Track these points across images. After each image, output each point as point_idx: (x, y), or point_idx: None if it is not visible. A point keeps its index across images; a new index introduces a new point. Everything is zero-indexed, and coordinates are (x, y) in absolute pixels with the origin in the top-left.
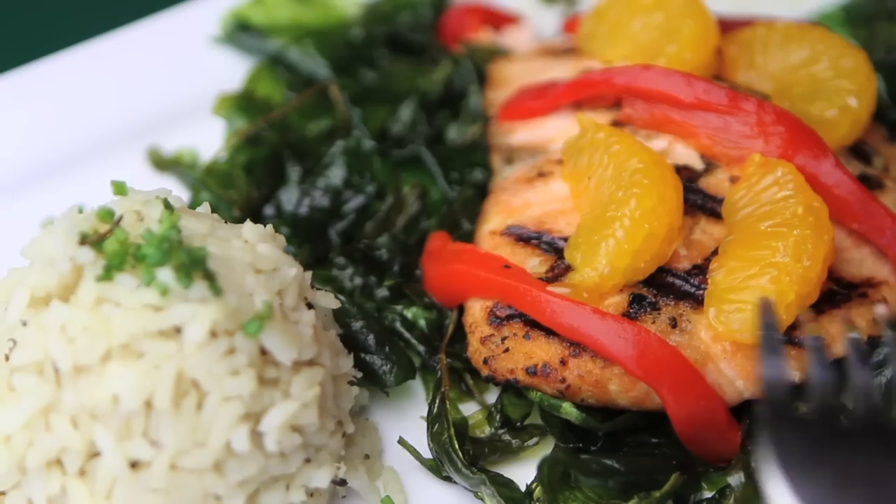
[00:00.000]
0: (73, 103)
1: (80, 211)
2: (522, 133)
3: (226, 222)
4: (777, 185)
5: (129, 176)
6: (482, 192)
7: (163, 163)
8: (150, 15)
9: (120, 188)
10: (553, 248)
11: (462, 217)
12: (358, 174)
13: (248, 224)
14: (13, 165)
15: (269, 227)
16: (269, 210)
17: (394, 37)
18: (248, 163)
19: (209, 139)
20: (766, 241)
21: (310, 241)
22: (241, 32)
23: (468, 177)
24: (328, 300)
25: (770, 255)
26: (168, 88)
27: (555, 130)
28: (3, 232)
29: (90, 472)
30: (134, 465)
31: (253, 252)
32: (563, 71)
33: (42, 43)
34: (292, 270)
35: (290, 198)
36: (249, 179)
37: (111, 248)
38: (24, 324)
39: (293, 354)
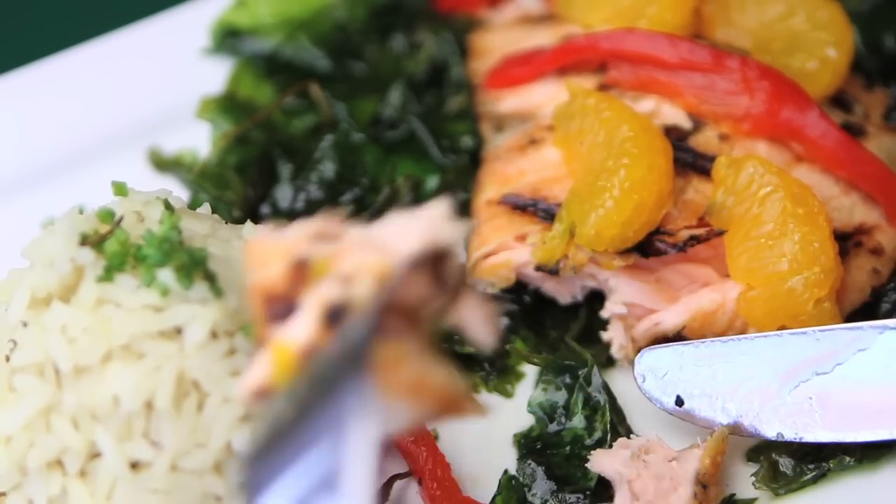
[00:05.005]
0: (73, 104)
1: (81, 212)
2: (510, 100)
3: (226, 223)
4: (753, 182)
5: (129, 177)
6: (474, 158)
7: (163, 163)
8: (150, 15)
9: (120, 189)
10: (549, 215)
11: (457, 187)
12: (350, 168)
13: (249, 224)
14: (13, 165)
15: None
16: (265, 209)
17: (384, 9)
18: (239, 163)
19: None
20: (770, 255)
21: None
22: (232, 39)
23: (458, 144)
24: None
25: (787, 276)
26: (170, 89)
27: (542, 96)
28: (3, 232)
29: (91, 473)
30: (134, 465)
31: None
32: (543, 37)
33: (43, 43)
34: None
35: (284, 195)
36: (243, 180)
37: (112, 248)
38: (25, 324)
39: None
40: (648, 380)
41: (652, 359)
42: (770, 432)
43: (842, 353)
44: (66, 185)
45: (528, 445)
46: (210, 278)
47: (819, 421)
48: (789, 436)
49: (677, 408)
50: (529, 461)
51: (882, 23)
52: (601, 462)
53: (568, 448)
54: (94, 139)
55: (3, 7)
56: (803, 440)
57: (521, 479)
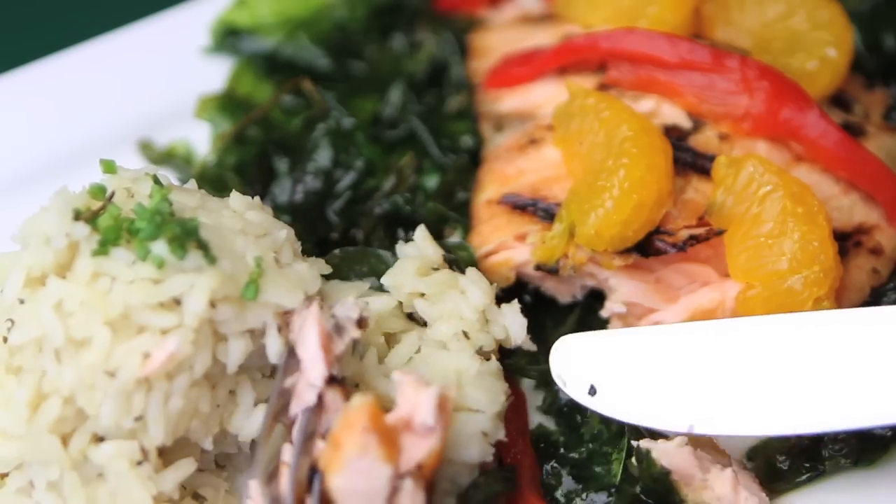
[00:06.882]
0: (74, 103)
1: None
2: (510, 100)
3: None
4: (753, 181)
5: None
6: (473, 158)
7: (156, 157)
8: (150, 15)
9: (109, 166)
10: (549, 215)
11: (457, 186)
12: (345, 153)
13: (235, 194)
14: (13, 165)
15: (257, 198)
16: (266, 204)
17: (384, 9)
18: (238, 164)
19: (210, 140)
20: (770, 253)
21: (310, 222)
22: (232, 38)
23: (458, 143)
24: (319, 266)
25: (786, 275)
26: (170, 89)
27: (542, 96)
28: (4, 232)
29: None
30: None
31: (242, 220)
32: (544, 37)
33: (43, 43)
34: (283, 232)
35: (283, 189)
36: (242, 180)
37: (105, 223)
38: (22, 302)
39: (300, 296)
40: (563, 367)
41: (569, 345)
42: (681, 426)
43: (749, 344)
44: (66, 185)
45: (550, 447)
46: (203, 246)
47: (727, 412)
48: (700, 429)
49: (589, 397)
50: (553, 463)
51: (882, 23)
52: (673, 461)
53: (589, 445)
54: (95, 138)
55: (3, 7)
56: (710, 433)
57: (545, 480)
